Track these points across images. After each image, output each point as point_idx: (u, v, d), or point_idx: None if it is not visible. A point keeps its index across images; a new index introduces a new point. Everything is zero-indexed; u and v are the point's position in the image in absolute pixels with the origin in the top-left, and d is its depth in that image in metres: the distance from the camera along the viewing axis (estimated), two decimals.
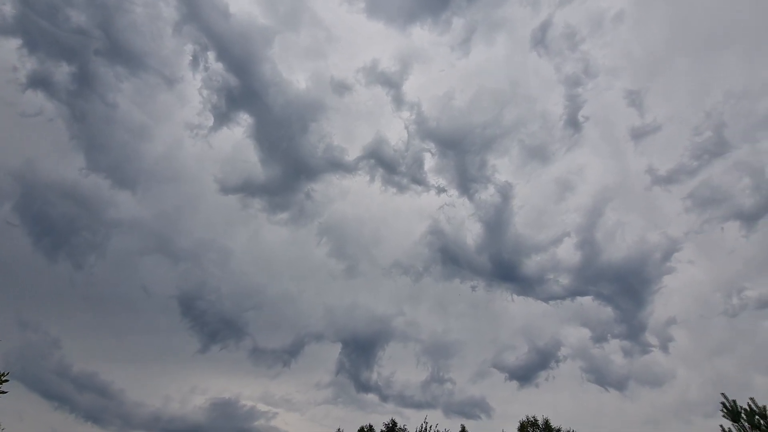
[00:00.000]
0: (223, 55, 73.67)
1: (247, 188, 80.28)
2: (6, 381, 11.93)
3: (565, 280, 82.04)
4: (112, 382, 53.39)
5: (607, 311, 78.42)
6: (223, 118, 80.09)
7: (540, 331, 79.05)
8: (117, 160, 68.47)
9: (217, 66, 78.38)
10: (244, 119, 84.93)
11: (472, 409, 68.09)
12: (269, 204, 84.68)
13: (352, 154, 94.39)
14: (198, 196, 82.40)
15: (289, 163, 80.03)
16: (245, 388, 71.57)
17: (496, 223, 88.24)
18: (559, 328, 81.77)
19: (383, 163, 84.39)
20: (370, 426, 36.05)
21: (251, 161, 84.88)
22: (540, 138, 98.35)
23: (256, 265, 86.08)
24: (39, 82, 58.11)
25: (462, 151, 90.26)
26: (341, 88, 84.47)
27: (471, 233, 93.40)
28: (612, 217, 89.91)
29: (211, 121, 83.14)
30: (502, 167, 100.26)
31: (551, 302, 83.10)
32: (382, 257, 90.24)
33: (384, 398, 70.34)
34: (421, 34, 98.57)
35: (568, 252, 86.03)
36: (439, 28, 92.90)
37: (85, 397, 47.39)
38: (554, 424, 33.17)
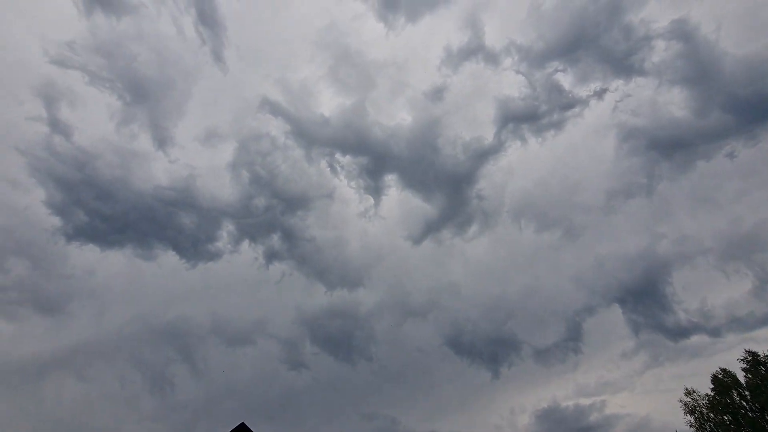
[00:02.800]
0: (345, 149, 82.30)
1: (430, 228, 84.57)
2: None
3: None
4: (450, 431, 61.36)
5: None
6: (376, 191, 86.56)
7: None
8: (341, 272, 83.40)
9: (346, 159, 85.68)
10: (391, 179, 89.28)
11: None
12: (455, 228, 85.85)
13: (488, 135, 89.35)
14: (403, 260, 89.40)
15: (446, 184, 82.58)
16: (556, 390, 65.81)
17: (699, 63, 63.81)
18: None
19: (522, 119, 73.23)
20: (724, 370, 28.31)
21: (417, 205, 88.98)
22: None
23: (484, 281, 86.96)
24: (270, 256, 77.95)
25: (591, 37, 67.09)
26: (437, 93, 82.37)
27: (674, 105, 69.39)
28: None
29: (371, 201, 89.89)
30: (655, 10, 69.69)
31: None
32: (589, 198, 76.35)
33: (714, 333, 55.22)
34: None
35: None
36: None
37: None
38: None
